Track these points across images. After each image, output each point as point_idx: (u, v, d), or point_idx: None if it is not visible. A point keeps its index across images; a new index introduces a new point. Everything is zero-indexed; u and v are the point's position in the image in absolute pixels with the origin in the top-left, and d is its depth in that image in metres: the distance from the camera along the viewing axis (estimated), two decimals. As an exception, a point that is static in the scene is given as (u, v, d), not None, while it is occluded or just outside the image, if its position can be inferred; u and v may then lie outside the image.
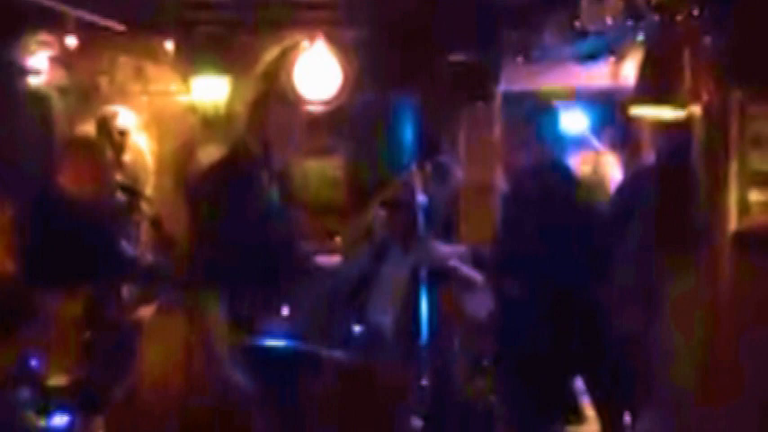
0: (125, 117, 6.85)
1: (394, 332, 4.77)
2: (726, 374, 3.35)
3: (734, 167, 3.19)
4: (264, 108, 4.56)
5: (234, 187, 4.24)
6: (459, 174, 5.48)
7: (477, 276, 4.79)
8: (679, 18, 3.15)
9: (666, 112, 3.30)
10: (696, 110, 3.21)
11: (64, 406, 4.19)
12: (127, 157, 6.84)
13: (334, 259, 5.54)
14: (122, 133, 6.72)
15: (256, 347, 4.03)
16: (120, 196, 6.10)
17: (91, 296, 4.36)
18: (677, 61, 3.10)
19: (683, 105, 3.17)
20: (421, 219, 4.42)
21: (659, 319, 3.69)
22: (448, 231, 5.51)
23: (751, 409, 3.23)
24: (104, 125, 6.68)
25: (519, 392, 4.30)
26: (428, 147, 6.12)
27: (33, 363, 4.15)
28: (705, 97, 3.14)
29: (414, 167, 5.14)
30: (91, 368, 4.27)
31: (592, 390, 4.39)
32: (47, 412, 4.15)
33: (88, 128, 6.92)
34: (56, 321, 4.30)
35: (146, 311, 4.46)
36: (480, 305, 4.24)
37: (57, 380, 4.23)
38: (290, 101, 4.79)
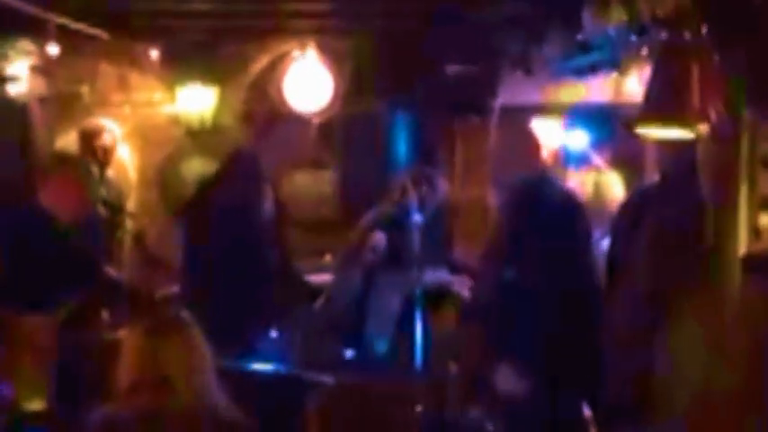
0: (110, 132, 6.83)
1: (389, 355, 4.77)
2: (734, 401, 3.33)
3: (743, 190, 3.18)
4: (272, 122, 4.56)
5: (225, 202, 4.23)
6: (443, 186, 5.48)
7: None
8: (686, 34, 3.15)
9: (674, 132, 3.29)
10: (704, 130, 3.20)
11: (39, 431, 4.16)
12: (110, 172, 6.82)
13: (324, 278, 5.52)
14: (107, 150, 6.70)
15: (244, 372, 4.00)
16: (103, 212, 6.09)
17: (69, 318, 4.33)
18: (685, 79, 3.09)
19: (690, 125, 3.17)
20: (417, 239, 4.40)
21: (663, 343, 3.68)
22: (445, 249, 5.51)
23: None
24: (89, 140, 6.65)
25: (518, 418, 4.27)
26: (423, 161, 6.10)
27: (3, 389, 4.11)
28: (714, 117, 3.14)
29: (404, 179, 5.14)
30: (66, 393, 4.24)
31: (594, 413, 4.37)
32: (22, 438, 4.12)
33: (70, 138, 6.91)
34: (30, 345, 4.27)
35: (126, 333, 4.43)
36: (508, 379, 4.18)
37: (31, 404, 4.20)
38: (299, 115, 4.78)
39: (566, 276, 4.06)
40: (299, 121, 4.62)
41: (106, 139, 6.74)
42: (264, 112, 5.23)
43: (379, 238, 4.86)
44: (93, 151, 6.59)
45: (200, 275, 4.22)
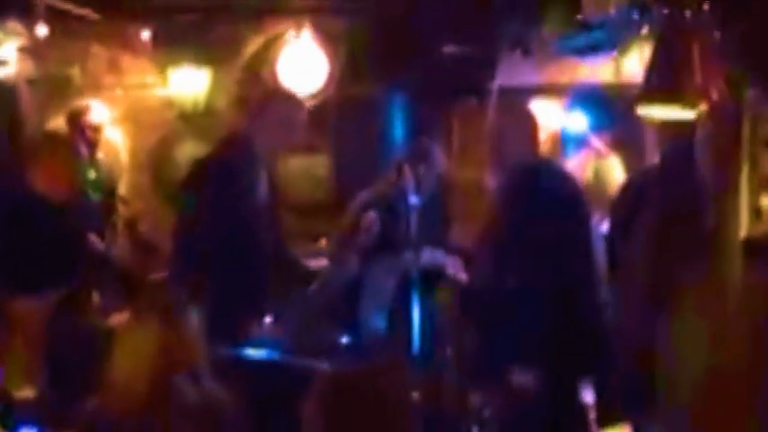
0: (98, 111, 6.80)
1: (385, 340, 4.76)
2: (735, 384, 3.33)
3: (745, 171, 3.17)
4: (266, 104, 4.51)
5: (220, 185, 4.20)
6: (441, 158, 5.45)
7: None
8: (688, 12, 3.13)
9: (675, 112, 3.28)
10: (705, 109, 3.19)
11: (30, 419, 4.15)
12: (100, 154, 6.79)
13: (320, 262, 5.51)
14: (95, 129, 6.66)
15: (237, 359, 3.99)
16: (94, 195, 6.07)
17: (60, 303, 4.32)
18: (686, 58, 3.08)
19: (692, 105, 3.15)
20: (414, 221, 4.38)
21: (666, 329, 3.68)
22: (442, 231, 5.48)
23: (763, 419, 3.21)
24: (76, 120, 6.62)
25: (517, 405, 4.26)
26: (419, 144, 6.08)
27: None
28: (715, 96, 3.13)
29: (401, 158, 5.12)
30: (59, 379, 4.23)
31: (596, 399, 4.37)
32: (12, 426, 4.11)
33: (59, 122, 6.87)
34: (22, 330, 4.26)
35: (120, 318, 4.42)
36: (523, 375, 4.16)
37: (23, 392, 4.19)
38: (294, 97, 4.74)
39: (565, 263, 4.05)
40: (292, 102, 4.58)
41: (93, 118, 6.71)
42: (257, 94, 5.19)
43: (372, 218, 4.83)
44: (82, 131, 6.56)
45: (193, 261, 4.19)
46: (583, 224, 4.21)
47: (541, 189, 4.14)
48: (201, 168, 4.43)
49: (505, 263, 4.09)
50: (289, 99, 4.69)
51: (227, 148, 4.41)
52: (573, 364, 4.05)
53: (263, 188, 4.33)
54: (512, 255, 4.07)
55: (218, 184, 4.18)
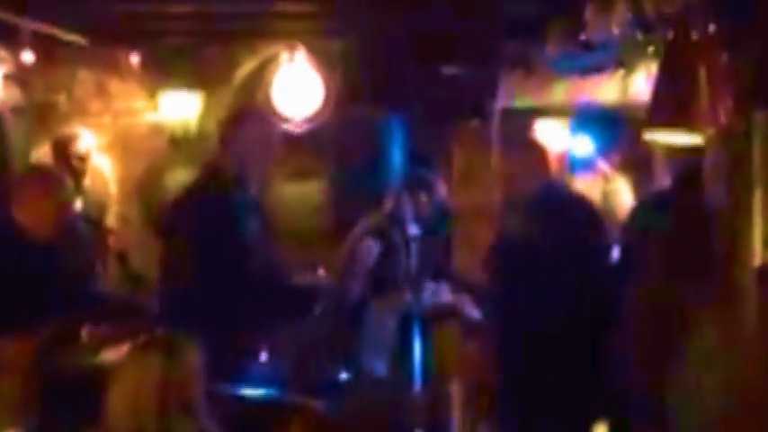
0: (85, 140, 6.82)
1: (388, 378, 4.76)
2: (751, 414, 3.34)
3: (757, 196, 3.18)
4: (237, 125, 4.52)
5: (207, 216, 4.20)
6: (442, 191, 5.46)
7: (476, 315, 4.77)
8: (694, 33, 3.16)
9: (682, 137, 3.30)
10: (714, 133, 3.20)
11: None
12: (87, 183, 6.81)
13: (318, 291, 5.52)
14: (82, 158, 6.69)
15: (233, 396, 3.99)
16: (82, 227, 6.06)
17: (48, 341, 4.32)
18: (693, 81, 3.09)
19: (700, 129, 3.17)
20: (414, 252, 4.40)
21: (677, 360, 3.69)
22: (443, 261, 5.50)
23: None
24: (62, 149, 6.65)
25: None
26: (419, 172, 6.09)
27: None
28: (724, 119, 3.14)
29: (399, 187, 5.13)
30: (50, 418, 4.22)
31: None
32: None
33: (46, 150, 6.90)
34: (9, 370, 4.26)
35: (111, 354, 4.42)
36: None
37: (11, 433, 4.19)
38: (265, 115, 4.75)
39: (582, 291, 4.08)
40: (262, 120, 4.56)
41: (80, 147, 6.73)
42: (227, 117, 5.19)
43: (368, 246, 4.85)
44: (68, 159, 6.58)
45: (181, 296, 4.19)
46: (600, 251, 4.23)
47: (556, 215, 4.16)
48: (184, 199, 4.43)
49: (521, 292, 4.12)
50: (258, 117, 4.69)
51: (205, 178, 4.41)
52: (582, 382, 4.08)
53: (252, 216, 4.32)
54: (524, 283, 4.11)
55: (203, 214, 4.18)
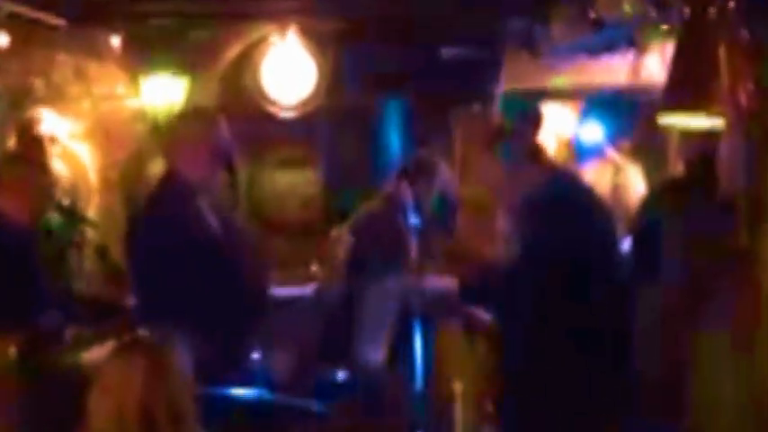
0: (51, 121, 6.78)
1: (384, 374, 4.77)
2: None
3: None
4: (171, 126, 4.46)
5: (173, 217, 4.14)
6: (446, 172, 5.45)
7: (485, 315, 4.77)
8: (712, 10, 3.16)
9: (700, 121, 3.30)
10: (733, 116, 3.21)
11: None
12: (59, 169, 6.76)
13: (310, 289, 5.52)
14: (52, 140, 6.66)
15: (222, 397, 4.00)
16: (56, 218, 6.04)
17: (27, 342, 4.33)
18: (711, 61, 3.09)
19: (718, 112, 3.18)
20: (413, 241, 4.39)
21: (694, 354, 3.71)
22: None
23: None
24: (27, 132, 6.61)
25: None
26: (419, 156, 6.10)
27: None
28: (744, 101, 3.15)
29: (396, 175, 5.13)
30: (33, 422, 4.23)
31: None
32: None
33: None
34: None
35: (93, 355, 4.42)
36: None
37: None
38: (204, 111, 4.71)
39: (591, 285, 4.09)
40: (202, 119, 4.42)
41: (44, 130, 6.69)
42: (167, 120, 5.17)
43: (347, 242, 4.86)
44: (35, 142, 6.55)
45: (155, 305, 4.16)
46: (608, 244, 4.24)
47: (562, 206, 4.16)
48: (149, 203, 4.36)
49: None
50: (198, 116, 4.56)
51: (159, 189, 4.32)
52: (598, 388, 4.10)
53: (211, 221, 4.22)
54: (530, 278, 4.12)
55: (157, 231, 4.11)
